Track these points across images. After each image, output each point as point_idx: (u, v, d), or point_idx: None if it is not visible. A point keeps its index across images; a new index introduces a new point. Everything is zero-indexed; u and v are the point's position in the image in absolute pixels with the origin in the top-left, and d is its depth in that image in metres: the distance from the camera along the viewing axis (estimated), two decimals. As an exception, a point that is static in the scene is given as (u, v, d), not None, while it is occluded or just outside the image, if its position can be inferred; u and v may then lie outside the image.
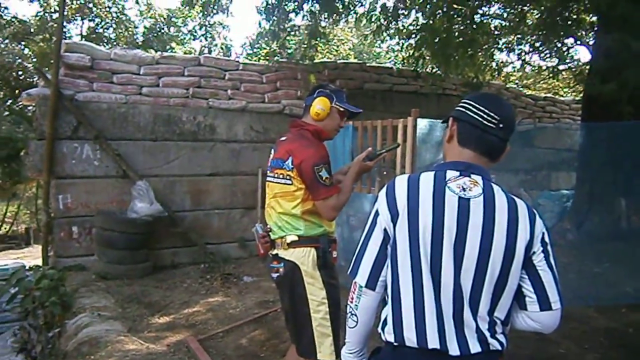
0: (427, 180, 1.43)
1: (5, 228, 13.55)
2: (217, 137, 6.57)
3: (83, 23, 14.23)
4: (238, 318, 4.34)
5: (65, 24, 12.79)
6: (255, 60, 12.91)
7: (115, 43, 14.02)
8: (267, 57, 10.61)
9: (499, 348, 1.39)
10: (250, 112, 6.78)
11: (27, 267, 5.33)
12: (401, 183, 1.46)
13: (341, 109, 2.45)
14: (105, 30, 14.74)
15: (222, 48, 16.39)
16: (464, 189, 1.40)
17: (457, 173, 1.44)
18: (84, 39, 12.97)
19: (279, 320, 4.10)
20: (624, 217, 6.38)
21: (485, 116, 1.45)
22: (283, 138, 2.48)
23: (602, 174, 6.35)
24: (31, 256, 7.53)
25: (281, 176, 2.36)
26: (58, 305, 4.35)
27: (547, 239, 1.43)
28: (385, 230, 1.45)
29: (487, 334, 1.37)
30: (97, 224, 5.61)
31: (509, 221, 1.38)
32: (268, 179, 2.49)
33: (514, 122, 1.52)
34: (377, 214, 1.48)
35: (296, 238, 2.34)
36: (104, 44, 13.38)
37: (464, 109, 1.50)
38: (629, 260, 5.43)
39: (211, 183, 6.56)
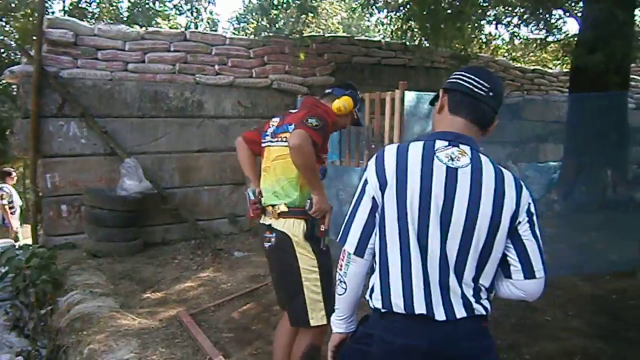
0: (416, 150, 1.45)
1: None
2: (205, 113, 6.52)
3: (65, -2, 13.92)
4: (229, 292, 4.38)
5: (47, -1, 12.51)
6: (242, 35, 12.75)
7: (99, 18, 13.73)
8: (255, 32, 10.48)
9: (484, 313, 1.42)
10: (238, 87, 6.72)
11: (17, 246, 5.32)
12: (390, 152, 1.48)
13: (355, 117, 2.66)
14: (89, 5, 14.42)
15: (208, 23, 16.08)
16: (452, 159, 1.42)
17: (446, 143, 1.45)
18: (66, 15, 12.70)
19: (270, 293, 4.14)
20: (610, 187, 6.46)
21: (476, 84, 1.49)
22: (293, 110, 2.57)
23: (589, 145, 6.41)
24: (21, 235, 7.50)
25: (285, 139, 2.36)
26: (49, 283, 4.37)
27: (533, 209, 1.45)
28: (373, 198, 1.46)
29: (472, 300, 1.40)
30: (87, 202, 5.59)
31: (495, 191, 1.40)
32: (268, 144, 2.50)
33: (503, 94, 1.55)
34: (366, 182, 1.49)
35: (286, 209, 2.37)
36: (88, 19, 13.10)
37: (455, 80, 1.53)
38: (614, 229, 5.53)
39: (200, 159, 6.54)
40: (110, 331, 3.38)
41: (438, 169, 1.40)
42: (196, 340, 3.35)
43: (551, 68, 12.25)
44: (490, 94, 1.48)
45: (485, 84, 1.48)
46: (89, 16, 13.84)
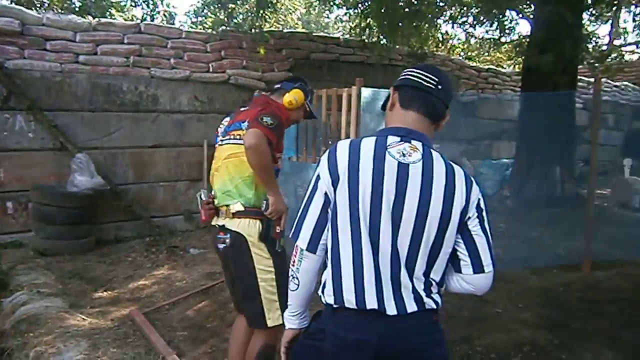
0: (368, 145, 1.45)
1: None
2: (160, 107, 6.37)
3: (12, -14, 13.31)
4: (184, 290, 4.31)
5: (-8, -14, 11.94)
6: (200, 29, 12.53)
7: (49, 8, 13.21)
8: (212, 26, 10.33)
9: (434, 306, 1.44)
10: (195, 81, 6.60)
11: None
12: (342, 148, 1.47)
13: (307, 109, 2.64)
14: (38, -6, 13.84)
15: (165, 16, 15.74)
16: (403, 155, 1.43)
17: (398, 139, 1.46)
18: (13, 3, 12.17)
19: (226, 291, 4.07)
20: (559, 183, 6.71)
21: (425, 78, 1.51)
22: (244, 108, 2.53)
23: (539, 143, 6.64)
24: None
25: (238, 137, 2.32)
26: (-7, 284, 4.18)
27: (482, 205, 1.47)
28: (326, 194, 1.46)
29: (423, 294, 1.42)
30: (34, 199, 5.37)
31: (446, 187, 1.41)
32: (220, 143, 2.46)
33: (451, 88, 1.58)
34: (318, 178, 1.48)
35: (242, 208, 2.32)
36: (36, 8, 12.57)
37: (404, 76, 1.55)
38: (562, 224, 5.75)
39: (155, 155, 6.39)
40: (58, 332, 3.26)
41: (390, 164, 1.41)
42: (149, 339, 3.28)
43: (505, 67, 12.60)
44: (439, 87, 1.50)
45: (434, 78, 1.51)
46: (39, 5, 13.29)
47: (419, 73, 1.52)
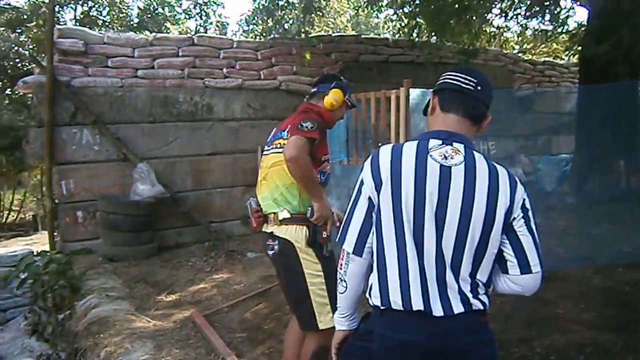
0: (410, 149, 1.48)
1: (13, 216, 13.69)
2: (214, 116, 6.59)
3: (76, 7, 14.10)
4: (242, 293, 4.44)
5: (58, 9, 12.69)
6: (251, 37, 12.83)
7: (109, 26, 13.91)
8: (262, 34, 10.54)
9: (482, 307, 1.45)
10: (247, 89, 6.78)
11: (34, 253, 5.44)
12: (385, 153, 1.51)
13: (349, 104, 2.61)
14: (99, 13, 14.61)
15: (217, 26, 16.24)
16: (445, 157, 1.45)
17: (440, 142, 1.48)
18: (78, 24, 12.89)
19: (282, 293, 4.16)
20: (623, 177, 6.40)
21: (463, 80, 1.53)
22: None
23: (600, 136, 6.35)
24: (39, 242, 7.64)
25: (279, 146, 2.39)
26: (67, 288, 4.47)
27: (527, 204, 1.48)
28: (369, 198, 1.50)
29: (470, 295, 1.43)
30: (101, 208, 5.70)
31: (489, 188, 1.43)
32: (265, 152, 2.54)
33: (491, 87, 1.58)
34: (362, 183, 1.53)
35: (288, 215, 2.38)
36: (99, 27, 13.28)
37: (442, 81, 1.58)
38: (627, 220, 5.47)
39: (211, 162, 6.62)
40: (126, 333, 3.46)
41: (432, 167, 1.44)
42: (209, 340, 3.41)
43: (562, 59, 12.14)
44: (479, 87, 1.52)
45: (473, 80, 1.52)
46: (100, 24, 14.02)
47: (457, 76, 1.54)
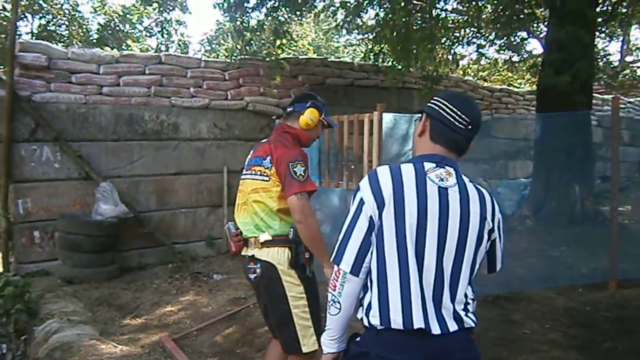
0: (408, 171, 1.53)
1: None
2: (180, 135, 6.50)
3: (33, 20, 13.74)
4: (211, 316, 4.35)
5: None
6: (214, 57, 12.79)
7: (68, 41, 13.59)
8: (228, 54, 10.55)
9: (472, 325, 1.51)
10: (214, 109, 6.74)
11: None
12: (384, 173, 1.54)
13: (325, 123, 2.61)
14: (58, 27, 14.27)
15: (179, 45, 16.11)
16: (441, 179, 1.52)
17: (434, 165, 1.55)
18: (34, 37, 12.55)
19: (252, 316, 4.14)
20: (579, 202, 6.69)
21: (457, 117, 1.57)
22: (264, 140, 2.57)
23: (557, 162, 6.65)
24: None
25: (259, 173, 2.41)
26: (24, 312, 4.25)
27: (502, 223, 1.62)
28: (371, 217, 1.50)
29: (462, 313, 1.49)
30: (61, 228, 5.49)
31: (480, 209, 1.52)
32: (244, 176, 2.53)
33: (480, 121, 1.64)
34: (361, 202, 1.53)
35: (270, 237, 2.37)
36: (57, 42, 12.94)
37: (437, 108, 1.60)
38: (584, 242, 5.72)
39: (176, 182, 6.50)
40: (93, 359, 3.31)
41: (431, 188, 1.49)
42: (180, 365, 3.32)
43: (517, 87, 12.65)
44: (469, 127, 1.58)
45: (466, 118, 1.56)
46: (58, 39, 13.68)
47: (452, 111, 1.57)
